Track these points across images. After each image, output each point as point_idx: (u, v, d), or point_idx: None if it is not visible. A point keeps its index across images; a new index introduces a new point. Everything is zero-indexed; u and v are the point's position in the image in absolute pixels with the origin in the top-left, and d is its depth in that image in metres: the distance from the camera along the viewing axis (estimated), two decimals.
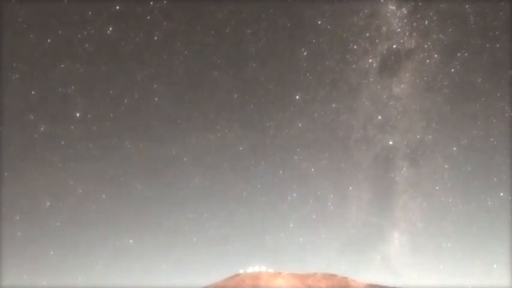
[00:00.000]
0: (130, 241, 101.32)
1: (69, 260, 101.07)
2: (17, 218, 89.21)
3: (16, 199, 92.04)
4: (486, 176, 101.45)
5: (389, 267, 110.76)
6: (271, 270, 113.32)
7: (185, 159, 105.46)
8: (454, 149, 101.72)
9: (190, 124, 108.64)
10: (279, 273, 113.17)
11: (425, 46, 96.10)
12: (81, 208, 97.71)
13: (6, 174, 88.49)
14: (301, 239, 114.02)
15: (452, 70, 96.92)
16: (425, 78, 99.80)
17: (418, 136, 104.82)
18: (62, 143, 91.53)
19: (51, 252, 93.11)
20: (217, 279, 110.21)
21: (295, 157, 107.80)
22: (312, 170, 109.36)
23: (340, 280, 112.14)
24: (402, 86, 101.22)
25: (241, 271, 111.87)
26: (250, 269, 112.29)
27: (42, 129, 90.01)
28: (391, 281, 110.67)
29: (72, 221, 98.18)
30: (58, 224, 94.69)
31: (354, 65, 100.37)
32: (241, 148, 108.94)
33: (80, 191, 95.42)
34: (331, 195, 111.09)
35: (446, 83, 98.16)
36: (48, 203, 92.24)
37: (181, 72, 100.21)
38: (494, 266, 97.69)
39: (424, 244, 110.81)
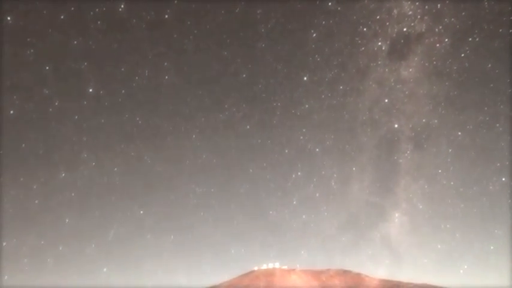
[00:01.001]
0: (141, 212, 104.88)
1: (83, 227, 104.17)
2: (34, 187, 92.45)
3: (33, 169, 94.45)
4: (489, 161, 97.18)
5: (388, 245, 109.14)
6: (285, 267, 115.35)
7: (194, 136, 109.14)
8: (459, 133, 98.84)
9: (199, 102, 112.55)
10: (293, 270, 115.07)
11: (436, 30, 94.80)
12: (94, 180, 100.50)
13: (23, 145, 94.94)
14: (304, 216, 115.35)
15: (463, 55, 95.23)
16: (435, 63, 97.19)
17: (424, 120, 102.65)
18: (76, 117, 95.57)
19: (67, 220, 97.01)
20: (232, 276, 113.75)
21: (301, 137, 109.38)
22: (317, 150, 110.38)
23: (354, 276, 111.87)
24: (410, 70, 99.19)
25: (256, 268, 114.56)
26: (264, 266, 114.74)
27: (56, 103, 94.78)
28: (395, 269, 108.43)
29: (86, 192, 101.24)
30: (73, 194, 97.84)
31: (363, 48, 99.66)
32: (248, 127, 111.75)
33: (93, 164, 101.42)
34: (335, 175, 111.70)
35: (455, 68, 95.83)
36: (63, 174, 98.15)
37: (191, 50, 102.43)
38: (491, 247, 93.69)
39: (423, 224, 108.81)
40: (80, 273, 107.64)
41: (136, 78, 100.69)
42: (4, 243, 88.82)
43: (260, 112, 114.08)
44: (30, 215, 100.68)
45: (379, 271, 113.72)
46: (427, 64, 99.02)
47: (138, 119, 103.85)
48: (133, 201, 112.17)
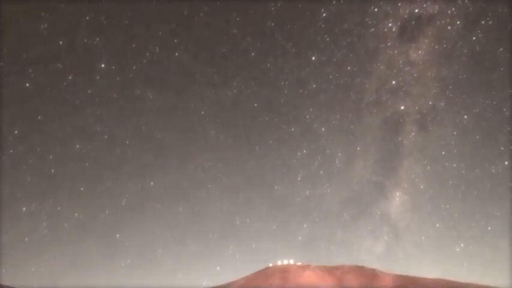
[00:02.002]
0: (151, 183, 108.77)
1: (97, 196, 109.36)
2: (50, 157, 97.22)
3: (49, 140, 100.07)
4: (493, 145, 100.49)
5: (388, 222, 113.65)
6: (299, 263, 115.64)
7: (202, 112, 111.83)
8: (465, 117, 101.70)
9: (208, 79, 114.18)
10: (307, 266, 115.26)
11: (449, 12, 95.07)
12: (107, 151, 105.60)
13: (39, 117, 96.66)
14: (307, 192, 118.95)
15: (474, 38, 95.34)
16: (445, 46, 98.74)
17: (430, 102, 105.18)
18: (89, 91, 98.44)
19: (82, 189, 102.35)
20: (247, 272, 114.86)
21: (307, 116, 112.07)
22: (323, 129, 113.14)
23: (368, 272, 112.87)
24: (420, 52, 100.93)
25: (271, 265, 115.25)
26: (279, 263, 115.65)
27: (70, 77, 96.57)
28: (401, 261, 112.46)
29: (99, 163, 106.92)
30: (87, 164, 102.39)
31: (373, 29, 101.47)
32: (256, 105, 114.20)
33: (106, 137, 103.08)
34: (339, 154, 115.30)
35: (465, 51, 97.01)
36: (77, 146, 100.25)
37: (201, 28, 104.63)
38: (489, 228, 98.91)
39: (424, 204, 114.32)
40: (94, 238, 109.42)
41: (147, 54, 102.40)
42: (24, 208, 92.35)
43: (268, 90, 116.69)
44: (47, 183, 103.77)
45: (377, 246, 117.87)
46: (437, 47, 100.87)
47: (149, 94, 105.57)
48: (144, 172, 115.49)
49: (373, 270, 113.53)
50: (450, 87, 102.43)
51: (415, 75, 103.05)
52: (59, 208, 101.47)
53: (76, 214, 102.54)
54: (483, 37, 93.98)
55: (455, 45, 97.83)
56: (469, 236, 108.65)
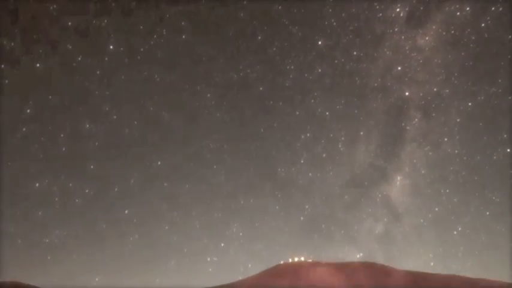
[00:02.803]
0: (159, 163, 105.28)
1: (106, 174, 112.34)
2: (62, 135, 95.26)
3: (60, 120, 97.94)
4: (496, 132, 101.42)
5: (388, 204, 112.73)
6: (310, 260, 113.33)
7: (208, 95, 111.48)
8: (469, 104, 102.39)
9: (214, 62, 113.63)
10: (318, 262, 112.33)
11: None
12: (116, 131, 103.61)
13: (50, 97, 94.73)
14: (310, 174, 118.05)
15: (483, 25, 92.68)
16: (453, 32, 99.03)
17: (435, 89, 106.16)
18: (98, 72, 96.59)
19: (92, 166, 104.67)
20: (258, 270, 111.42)
21: (312, 100, 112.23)
22: (327, 113, 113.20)
23: (379, 268, 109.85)
24: (427, 39, 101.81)
25: (282, 262, 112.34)
26: (290, 260, 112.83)
27: (79, 58, 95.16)
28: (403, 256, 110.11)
29: (108, 142, 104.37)
30: (96, 143, 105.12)
31: (381, 14, 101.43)
32: (261, 88, 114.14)
33: (115, 117, 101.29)
34: (343, 138, 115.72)
35: (473, 38, 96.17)
36: (87, 125, 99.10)
37: (208, 11, 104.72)
38: (487, 213, 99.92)
39: (424, 188, 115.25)
40: (104, 214, 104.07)
41: (155, 36, 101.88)
42: (37, 184, 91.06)
43: (273, 74, 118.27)
44: (58, 160, 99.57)
45: (377, 228, 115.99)
46: (444, 33, 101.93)
47: (156, 76, 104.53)
48: (151, 152, 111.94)
49: (383, 266, 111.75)
50: (456, 74, 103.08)
51: (421, 61, 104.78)
52: (70, 184, 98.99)
53: (87, 191, 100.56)
54: (492, 24, 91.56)
55: (463, 32, 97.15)
56: (467, 220, 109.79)
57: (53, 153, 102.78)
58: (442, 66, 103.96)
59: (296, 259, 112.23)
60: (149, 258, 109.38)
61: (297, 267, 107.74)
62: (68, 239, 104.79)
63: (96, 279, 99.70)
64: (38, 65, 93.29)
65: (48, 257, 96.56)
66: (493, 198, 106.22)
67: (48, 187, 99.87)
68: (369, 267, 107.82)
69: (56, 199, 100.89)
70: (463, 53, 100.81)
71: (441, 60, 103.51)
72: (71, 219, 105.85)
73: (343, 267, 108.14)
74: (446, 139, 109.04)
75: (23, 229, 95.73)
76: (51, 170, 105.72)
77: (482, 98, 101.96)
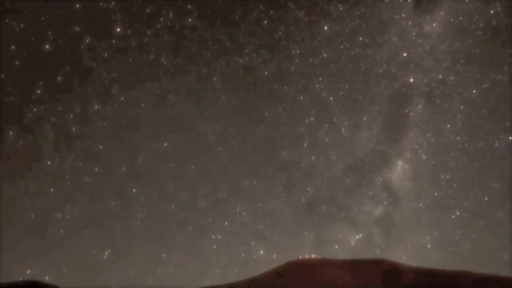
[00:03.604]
0: (165, 144, 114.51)
1: (114, 154, 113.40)
2: (71, 116, 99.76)
3: (69, 100, 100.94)
4: (500, 120, 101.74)
5: (388, 188, 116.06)
6: (319, 258, 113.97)
7: (214, 78, 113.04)
8: (474, 91, 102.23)
9: (220, 46, 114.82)
10: (327, 260, 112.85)
11: None
12: (124, 113, 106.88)
13: (59, 78, 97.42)
14: (312, 158, 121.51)
15: (492, 11, 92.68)
16: (461, 18, 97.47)
17: (440, 76, 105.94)
18: (105, 54, 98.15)
19: (100, 147, 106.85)
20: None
21: (317, 85, 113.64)
22: (331, 98, 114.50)
23: (389, 266, 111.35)
24: (434, 25, 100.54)
25: (290, 260, 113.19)
26: (298, 258, 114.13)
27: (87, 40, 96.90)
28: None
29: (116, 123, 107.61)
30: (105, 124, 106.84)
31: None
32: (266, 73, 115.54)
33: (122, 99, 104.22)
34: (346, 123, 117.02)
35: (481, 25, 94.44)
36: (95, 106, 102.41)
37: None
38: (486, 198, 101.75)
39: (424, 173, 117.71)
40: (112, 192, 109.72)
41: (161, 19, 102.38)
42: (48, 162, 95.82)
43: (279, 59, 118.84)
44: (69, 140, 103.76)
45: (376, 210, 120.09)
46: (452, 19, 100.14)
47: (162, 59, 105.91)
48: (158, 133, 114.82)
49: (393, 263, 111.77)
50: (461, 61, 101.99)
51: (427, 48, 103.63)
52: (80, 163, 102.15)
53: (96, 169, 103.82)
54: (501, 11, 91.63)
55: (471, 18, 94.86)
56: (465, 205, 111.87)
57: (63, 133, 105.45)
58: (448, 53, 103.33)
59: (300, 257, 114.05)
60: (156, 235, 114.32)
61: (305, 266, 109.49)
62: (79, 214, 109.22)
63: (106, 252, 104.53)
64: (47, 46, 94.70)
65: (61, 231, 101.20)
66: (493, 184, 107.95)
67: (58, 166, 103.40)
68: (379, 263, 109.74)
69: (67, 177, 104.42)
70: (470, 40, 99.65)
71: (447, 47, 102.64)
72: (82, 196, 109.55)
73: (352, 265, 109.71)
74: (448, 126, 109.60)
75: (37, 204, 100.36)
76: (62, 149, 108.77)
77: (487, 85, 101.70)
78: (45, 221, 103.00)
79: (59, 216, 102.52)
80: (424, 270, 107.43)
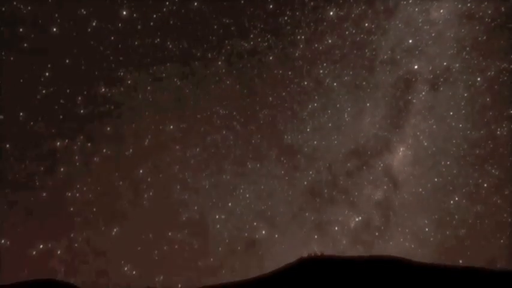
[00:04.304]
0: (171, 127, 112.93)
1: (122, 135, 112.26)
2: (79, 98, 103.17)
3: (76, 83, 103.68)
4: (503, 108, 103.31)
5: (388, 173, 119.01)
6: (328, 254, 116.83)
7: (219, 63, 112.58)
8: (478, 79, 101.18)
9: (225, 31, 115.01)
10: (336, 256, 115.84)
11: None
12: (130, 95, 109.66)
13: (67, 61, 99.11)
14: (315, 142, 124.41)
15: None
16: (469, 5, 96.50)
17: (445, 63, 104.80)
18: (112, 38, 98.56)
19: (108, 128, 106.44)
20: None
21: (321, 71, 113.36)
22: (335, 84, 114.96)
23: (395, 263, 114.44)
24: (441, 11, 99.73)
25: (292, 259, 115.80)
26: (303, 256, 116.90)
27: (94, 24, 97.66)
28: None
29: (123, 105, 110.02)
30: (112, 107, 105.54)
31: None
32: (271, 58, 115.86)
33: (129, 82, 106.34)
34: (349, 109, 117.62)
35: (490, 12, 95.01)
36: (103, 89, 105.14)
37: None
38: (485, 185, 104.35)
39: (425, 159, 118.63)
40: (120, 173, 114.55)
41: (167, 3, 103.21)
42: (58, 143, 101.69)
43: (283, 44, 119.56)
44: (77, 122, 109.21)
45: (376, 195, 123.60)
46: (460, 6, 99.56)
47: (168, 43, 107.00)
48: (164, 116, 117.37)
49: (399, 259, 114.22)
50: (467, 48, 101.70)
51: (433, 34, 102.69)
52: (89, 144, 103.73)
53: (104, 150, 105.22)
54: None
55: (480, 4, 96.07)
56: (464, 191, 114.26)
57: (72, 115, 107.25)
58: (454, 40, 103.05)
59: (305, 255, 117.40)
60: (162, 214, 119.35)
61: (315, 264, 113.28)
62: (88, 193, 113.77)
63: (115, 230, 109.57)
64: (54, 29, 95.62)
65: (71, 209, 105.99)
66: (492, 171, 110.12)
67: (68, 146, 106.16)
68: (390, 261, 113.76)
69: (76, 157, 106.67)
70: (477, 27, 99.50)
71: (454, 34, 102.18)
72: (91, 176, 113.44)
73: (360, 262, 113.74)
74: (451, 113, 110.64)
75: (47, 183, 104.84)
76: (71, 130, 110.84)
77: (492, 73, 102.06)
78: (55, 199, 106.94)
79: (69, 194, 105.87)
80: (433, 265, 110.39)
